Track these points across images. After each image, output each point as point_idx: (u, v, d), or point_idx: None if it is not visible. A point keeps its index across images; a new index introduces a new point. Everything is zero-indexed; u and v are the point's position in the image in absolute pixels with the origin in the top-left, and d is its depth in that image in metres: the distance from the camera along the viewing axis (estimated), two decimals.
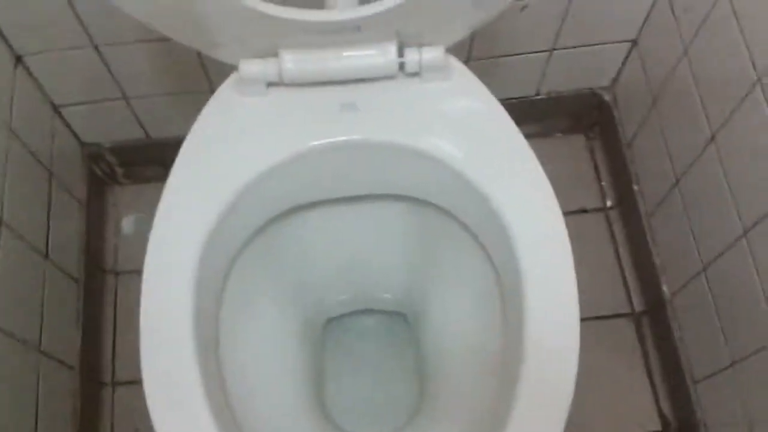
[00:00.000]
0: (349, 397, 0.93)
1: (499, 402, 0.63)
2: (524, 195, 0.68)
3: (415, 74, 0.71)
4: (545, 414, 0.59)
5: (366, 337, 0.98)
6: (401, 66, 0.70)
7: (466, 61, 1.05)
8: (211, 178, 0.68)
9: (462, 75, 0.72)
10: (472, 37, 1.01)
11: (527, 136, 1.19)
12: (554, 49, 1.04)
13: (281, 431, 0.75)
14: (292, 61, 0.67)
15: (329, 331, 0.96)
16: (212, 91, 0.71)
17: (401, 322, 0.95)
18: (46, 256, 0.95)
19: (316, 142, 0.69)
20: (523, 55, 1.06)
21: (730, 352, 0.84)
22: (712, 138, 0.83)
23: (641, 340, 1.06)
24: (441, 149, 0.69)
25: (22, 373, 0.87)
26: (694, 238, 0.90)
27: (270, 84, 0.70)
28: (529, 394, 0.60)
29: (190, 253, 0.65)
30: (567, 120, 1.20)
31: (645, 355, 1.05)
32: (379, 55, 0.68)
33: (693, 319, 0.94)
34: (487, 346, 0.75)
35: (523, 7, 0.94)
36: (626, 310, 1.08)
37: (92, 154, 1.13)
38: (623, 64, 1.07)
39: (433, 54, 0.69)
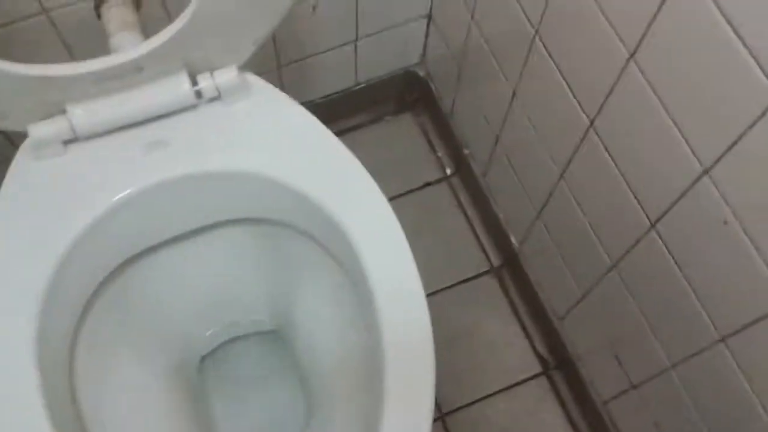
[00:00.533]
0: (243, 427, 0.92)
1: (371, 409, 0.64)
2: (347, 190, 0.69)
3: (215, 99, 0.71)
4: (413, 411, 0.60)
5: (246, 363, 0.97)
6: (198, 94, 0.69)
7: (278, 68, 1.05)
8: (26, 254, 0.65)
9: (262, 89, 0.72)
10: (277, 45, 1.01)
11: (358, 126, 1.24)
12: (358, 39, 1.07)
13: None
14: (81, 116, 0.65)
15: (207, 368, 0.95)
16: None
17: (277, 339, 0.95)
18: None
19: (121, 194, 0.67)
20: (331, 51, 1.07)
21: (578, 286, 0.90)
22: (514, 94, 0.87)
23: (506, 292, 1.11)
24: (257, 166, 0.69)
25: None
26: (524, 187, 0.95)
27: (67, 141, 0.68)
28: (394, 395, 0.61)
29: (25, 337, 0.62)
30: (392, 102, 1.23)
31: (512, 305, 1.10)
32: (172, 89, 0.68)
33: (542, 263, 0.99)
34: (353, 351, 0.76)
35: (314, 8, 0.96)
36: (486, 267, 1.13)
37: None
38: (426, 38, 1.11)
39: (226, 76, 0.69)
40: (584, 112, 0.73)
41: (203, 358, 0.94)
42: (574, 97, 0.74)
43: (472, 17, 0.91)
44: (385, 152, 1.21)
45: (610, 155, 0.71)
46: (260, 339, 0.97)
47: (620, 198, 0.72)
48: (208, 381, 0.94)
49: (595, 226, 0.80)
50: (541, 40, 0.76)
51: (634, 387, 0.85)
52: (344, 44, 1.07)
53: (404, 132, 1.24)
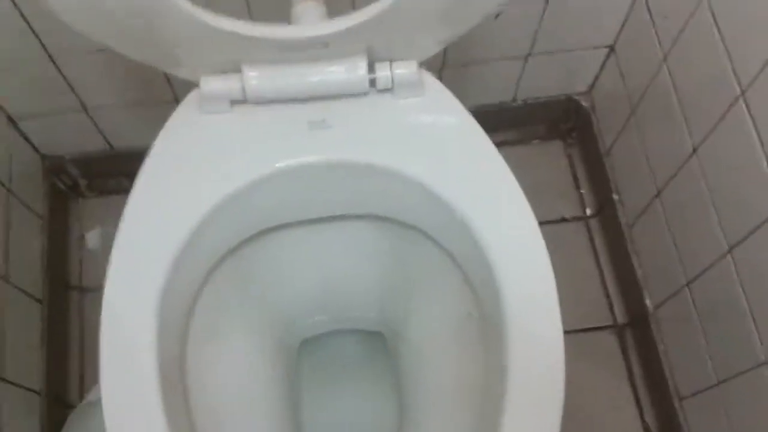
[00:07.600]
0: (328, 421, 0.90)
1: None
2: (500, 213, 0.65)
3: (387, 90, 0.67)
4: None
5: (343, 356, 0.95)
6: (372, 82, 0.66)
7: (441, 68, 1.02)
8: (173, 202, 0.64)
9: (436, 91, 0.69)
10: (448, 45, 0.98)
11: (504, 143, 1.19)
12: (530, 55, 1.02)
13: None
14: (255, 78, 0.64)
15: (304, 352, 0.93)
16: (176, 100, 0.67)
17: (378, 340, 0.92)
18: (7, 279, 0.91)
19: (282, 164, 0.65)
20: (499, 61, 1.03)
21: (716, 371, 0.82)
22: (694, 151, 0.80)
23: (624, 353, 1.03)
24: (414, 168, 0.66)
25: None
26: (678, 252, 0.88)
27: (234, 101, 0.66)
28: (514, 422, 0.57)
29: (154, 281, 0.62)
30: (545, 126, 1.18)
31: (629, 369, 1.02)
32: (349, 71, 0.65)
33: (677, 334, 0.92)
34: (466, 368, 0.73)
35: (497, 15, 0.91)
36: (609, 322, 1.06)
37: (53, 167, 1.09)
38: (600, 70, 1.05)
39: (405, 69, 0.66)
40: None
41: (304, 342, 0.92)
42: None
43: (665, 58, 0.84)
44: (527, 176, 1.13)
45: None
46: (362, 336, 0.95)
47: None
48: (303, 365, 0.93)
49: (756, 313, 0.72)
50: (745, 103, 0.69)
51: None
52: (514, 58, 1.02)
53: (551, 160, 1.18)
